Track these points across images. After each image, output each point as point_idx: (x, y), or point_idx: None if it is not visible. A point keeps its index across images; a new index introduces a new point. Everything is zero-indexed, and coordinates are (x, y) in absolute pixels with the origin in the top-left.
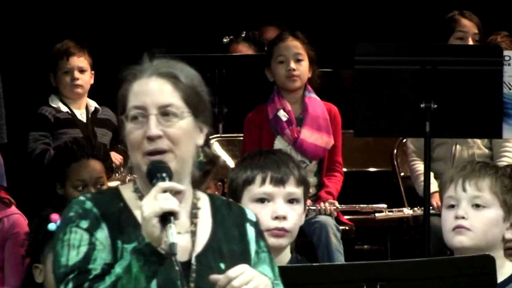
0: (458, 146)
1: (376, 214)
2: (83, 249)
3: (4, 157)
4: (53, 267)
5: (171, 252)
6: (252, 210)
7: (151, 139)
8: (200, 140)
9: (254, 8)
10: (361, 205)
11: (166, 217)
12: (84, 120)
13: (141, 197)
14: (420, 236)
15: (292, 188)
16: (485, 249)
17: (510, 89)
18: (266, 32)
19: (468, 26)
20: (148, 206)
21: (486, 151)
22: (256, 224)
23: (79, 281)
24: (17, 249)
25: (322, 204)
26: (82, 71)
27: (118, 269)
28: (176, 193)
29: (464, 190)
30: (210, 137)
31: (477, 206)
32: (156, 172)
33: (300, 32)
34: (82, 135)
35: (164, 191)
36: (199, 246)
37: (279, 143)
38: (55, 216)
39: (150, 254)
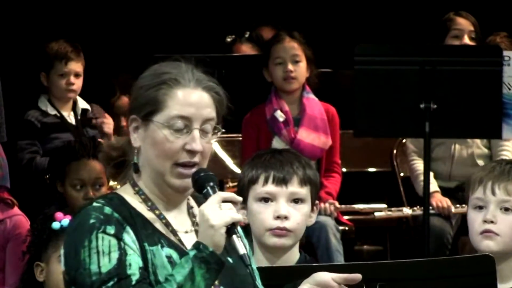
0: (457, 146)
1: (376, 214)
2: (115, 255)
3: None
4: (78, 277)
5: (245, 263)
6: (255, 209)
7: (193, 152)
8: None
9: (253, 8)
10: (361, 205)
11: (231, 228)
12: (74, 122)
13: (145, 200)
14: (420, 236)
15: (295, 188)
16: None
17: (509, 89)
18: (262, 33)
19: (464, 24)
20: (216, 215)
21: (486, 150)
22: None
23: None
24: (19, 250)
25: (322, 204)
26: (77, 75)
27: (178, 277)
28: (232, 203)
29: (493, 193)
30: None
31: (505, 209)
32: (205, 182)
33: (299, 32)
34: (73, 138)
35: (225, 201)
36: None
37: (276, 144)
38: (59, 215)
39: (214, 262)
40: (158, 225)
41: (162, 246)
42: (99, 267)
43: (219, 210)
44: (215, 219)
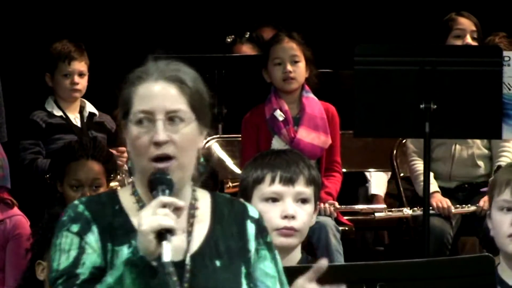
0: (457, 146)
1: (376, 214)
2: (73, 253)
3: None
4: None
5: (163, 271)
6: (261, 209)
7: (158, 144)
8: (201, 143)
9: (254, 8)
10: (361, 206)
11: (163, 234)
12: (79, 124)
13: (138, 201)
14: (420, 237)
15: (302, 188)
16: None
17: (509, 89)
18: (263, 33)
19: (466, 24)
20: (146, 220)
21: (486, 151)
22: (257, 221)
23: (67, 286)
24: (19, 250)
25: (322, 204)
26: (81, 75)
27: (109, 279)
28: (175, 208)
29: None
30: (209, 138)
31: None
32: (157, 184)
33: (299, 32)
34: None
35: (164, 205)
36: (195, 245)
37: (276, 143)
38: None
39: (144, 267)
40: None
41: (129, 246)
42: (58, 264)
43: (151, 215)
44: (144, 224)
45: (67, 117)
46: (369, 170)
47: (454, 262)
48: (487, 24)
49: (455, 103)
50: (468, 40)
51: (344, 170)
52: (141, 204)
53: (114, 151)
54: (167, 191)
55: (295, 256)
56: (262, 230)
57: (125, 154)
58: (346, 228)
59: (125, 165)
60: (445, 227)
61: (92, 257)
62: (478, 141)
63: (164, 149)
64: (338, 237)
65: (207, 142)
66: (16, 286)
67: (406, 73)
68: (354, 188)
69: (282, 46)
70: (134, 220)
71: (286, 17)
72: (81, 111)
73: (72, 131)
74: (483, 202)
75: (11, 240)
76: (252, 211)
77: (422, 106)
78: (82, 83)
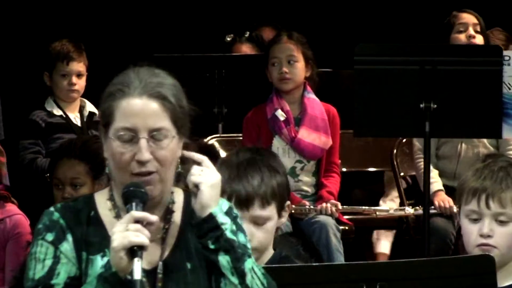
0: (463, 145)
1: (377, 213)
2: (48, 263)
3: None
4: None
5: None
6: None
7: (141, 163)
8: (179, 152)
9: (254, 8)
10: (364, 207)
11: (135, 250)
12: (79, 123)
13: (114, 206)
14: (421, 236)
15: (257, 211)
16: (509, 261)
17: (510, 89)
18: (262, 33)
19: (467, 18)
20: (117, 236)
21: (492, 149)
22: (228, 212)
23: None
24: (19, 250)
25: (323, 204)
26: (79, 75)
27: None
28: (148, 223)
29: (488, 207)
30: (209, 137)
31: (501, 221)
32: (131, 197)
33: (299, 32)
34: None
35: (136, 221)
36: (168, 250)
37: (277, 143)
38: None
39: (115, 283)
40: None
41: (104, 256)
42: (34, 274)
43: (123, 231)
44: (115, 241)
45: (67, 117)
46: (369, 169)
47: (454, 261)
48: (487, 24)
49: (455, 103)
50: (471, 32)
51: (344, 169)
52: (116, 210)
53: None
54: (140, 205)
55: (266, 256)
56: (234, 218)
57: None
58: (346, 228)
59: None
60: (448, 227)
61: (67, 267)
62: (484, 140)
63: (147, 167)
64: (339, 237)
65: (207, 141)
66: (12, 280)
67: (406, 73)
68: (354, 188)
69: (279, 46)
70: (109, 228)
71: (286, 17)
72: (81, 111)
73: (72, 130)
74: None
75: (11, 240)
76: (224, 204)
77: (422, 105)
78: (80, 83)
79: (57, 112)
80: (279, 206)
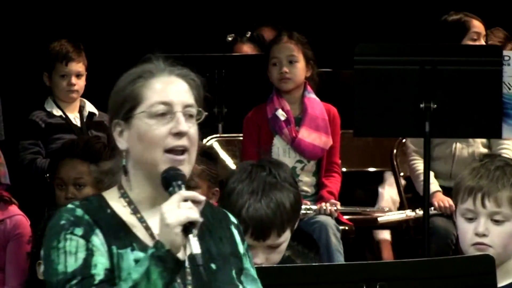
0: (458, 145)
1: (379, 219)
2: (81, 255)
3: (6, 158)
4: (46, 276)
5: (196, 263)
6: None
7: (180, 135)
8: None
9: (254, 8)
10: (364, 208)
11: (188, 227)
12: (79, 124)
13: (129, 203)
14: (421, 236)
15: (273, 241)
16: (505, 261)
17: (509, 89)
18: (263, 33)
19: (480, 28)
20: (171, 213)
21: (486, 150)
22: (238, 226)
23: (84, 286)
24: (20, 250)
25: (323, 203)
26: (78, 75)
27: (134, 275)
28: (195, 202)
29: (483, 206)
30: (209, 137)
31: (496, 221)
32: (173, 179)
33: (299, 32)
34: None
35: (186, 200)
36: (188, 249)
37: (277, 143)
38: None
39: (170, 261)
40: (137, 229)
41: (133, 250)
42: (65, 267)
43: (176, 209)
44: (170, 218)
45: (67, 117)
46: (369, 169)
47: (454, 261)
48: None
49: (455, 103)
50: (482, 42)
51: (344, 169)
52: (132, 207)
53: None
54: (183, 186)
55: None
56: (242, 235)
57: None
58: (346, 228)
59: None
60: (448, 227)
61: (101, 259)
62: (478, 140)
63: (183, 141)
64: (339, 237)
65: (207, 141)
66: None
67: (406, 73)
68: (354, 188)
69: (280, 46)
70: (129, 224)
71: (286, 17)
72: (80, 111)
73: (72, 130)
74: None
75: (11, 240)
76: (232, 216)
77: (422, 105)
78: (79, 84)
79: (57, 112)
80: (292, 226)
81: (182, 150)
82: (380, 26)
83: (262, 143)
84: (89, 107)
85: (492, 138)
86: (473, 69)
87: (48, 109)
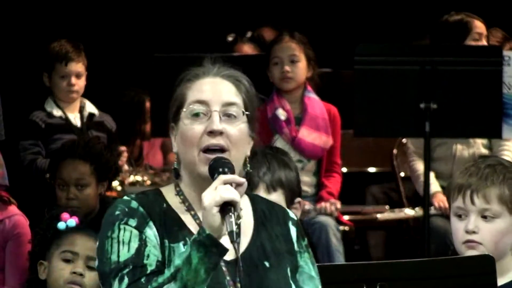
0: (458, 146)
1: (378, 216)
2: (134, 245)
3: (6, 158)
4: (99, 266)
5: (232, 239)
6: None
7: (213, 133)
8: (248, 151)
9: (254, 8)
10: (364, 207)
11: (227, 208)
12: (79, 124)
13: (184, 201)
14: (420, 236)
15: (262, 195)
16: (499, 259)
17: (509, 89)
18: (263, 33)
19: (482, 28)
20: (208, 196)
21: (486, 151)
22: (297, 224)
23: (135, 275)
24: (19, 250)
25: (323, 203)
26: (78, 76)
27: (177, 260)
28: (237, 186)
29: (472, 203)
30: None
31: (486, 218)
32: (219, 167)
33: (300, 32)
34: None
35: (225, 183)
36: (243, 246)
37: (278, 142)
38: (65, 215)
39: (211, 245)
40: (191, 225)
41: (185, 244)
42: (118, 256)
43: (212, 191)
44: (206, 200)
45: (67, 117)
46: (369, 169)
47: (454, 261)
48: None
49: (455, 103)
50: (484, 43)
51: (344, 169)
52: (187, 204)
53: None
54: (228, 172)
55: None
56: (301, 232)
57: (125, 154)
58: (347, 228)
59: (125, 165)
60: (448, 227)
61: (154, 251)
62: (479, 141)
63: (218, 140)
64: (339, 237)
65: None
66: None
67: (406, 73)
68: (354, 188)
69: (281, 46)
70: (184, 219)
71: (287, 17)
72: (81, 111)
73: (72, 131)
74: None
75: (10, 240)
76: (291, 213)
77: (422, 105)
78: (79, 84)
79: (57, 112)
80: (287, 197)
81: (219, 150)
82: (380, 26)
83: (262, 142)
84: (90, 108)
85: (492, 138)
86: (473, 69)
87: (48, 110)
